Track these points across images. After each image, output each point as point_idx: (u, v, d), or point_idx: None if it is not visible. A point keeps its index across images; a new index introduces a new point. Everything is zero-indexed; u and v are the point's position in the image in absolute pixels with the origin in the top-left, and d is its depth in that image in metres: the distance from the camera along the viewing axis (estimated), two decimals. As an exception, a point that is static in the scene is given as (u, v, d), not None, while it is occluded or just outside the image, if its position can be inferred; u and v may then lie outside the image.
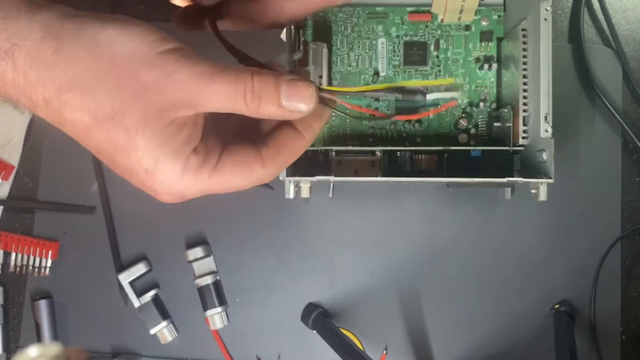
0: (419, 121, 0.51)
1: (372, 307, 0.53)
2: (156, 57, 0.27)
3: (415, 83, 0.40)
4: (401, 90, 0.35)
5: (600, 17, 0.54)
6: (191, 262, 0.52)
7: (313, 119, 0.31)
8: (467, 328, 0.52)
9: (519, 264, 0.53)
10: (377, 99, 0.51)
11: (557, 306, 0.51)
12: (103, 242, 0.53)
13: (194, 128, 0.29)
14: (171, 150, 0.28)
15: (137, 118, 0.27)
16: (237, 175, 0.31)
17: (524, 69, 0.46)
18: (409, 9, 0.51)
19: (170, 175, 0.29)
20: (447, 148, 0.48)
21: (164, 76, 0.27)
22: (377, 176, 0.48)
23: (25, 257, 0.53)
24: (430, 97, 0.36)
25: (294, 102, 0.29)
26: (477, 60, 0.51)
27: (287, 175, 0.44)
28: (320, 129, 0.32)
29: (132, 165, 0.29)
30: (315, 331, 0.51)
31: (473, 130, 0.51)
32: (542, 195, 0.44)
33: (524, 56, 0.46)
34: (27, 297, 0.53)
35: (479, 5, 0.50)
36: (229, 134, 0.32)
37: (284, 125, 0.32)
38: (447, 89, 0.37)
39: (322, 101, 0.31)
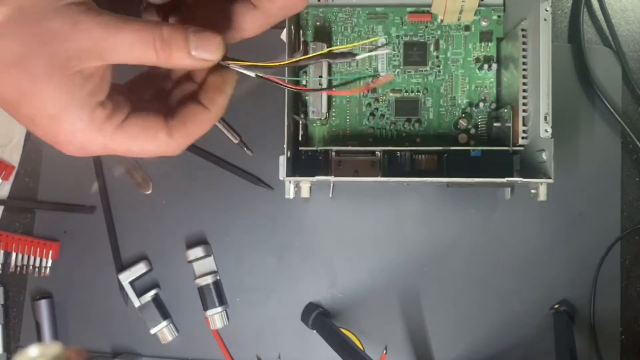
0: (418, 121, 0.51)
1: (372, 307, 0.53)
2: (62, 7, 0.27)
3: (342, 47, 0.40)
4: (330, 55, 0.35)
5: (600, 17, 0.54)
6: (191, 262, 0.52)
7: (217, 92, 0.32)
8: (466, 328, 0.52)
9: (519, 263, 0.53)
10: (377, 99, 0.52)
11: (556, 306, 0.52)
12: (103, 242, 0.53)
13: (101, 81, 0.29)
14: (77, 100, 0.28)
15: (43, 64, 0.27)
16: (141, 138, 0.30)
17: (524, 69, 0.46)
18: (408, 9, 0.51)
19: (74, 124, 0.29)
20: (447, 148, 0.48)
21: (71, 24, 0.27)
22: (377, 176, 0.48)
23: (26, 257, 0.53)
24: (360, 57, 0.36)
25: (201, 50, 0.30)
26: (477, 60, 0.51)
27: (287, 175, 0.45)
28: (225, 102, 0.33)
29: (36, 111, 0.28)
30: (315, 331, 0.51)
31: (473, 131, 0.51)
32: (542, 195, 0.44)
33: (524, 56, 0.46)
34: (27, 297, 0.53)
35: (479, 5, 0.50)
36: (139, 100, 0.32)
37: (191, 99, 0.32)
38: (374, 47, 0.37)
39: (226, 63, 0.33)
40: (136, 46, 0.28)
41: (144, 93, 0.33)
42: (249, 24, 0.35)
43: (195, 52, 0.30)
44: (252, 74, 0.34)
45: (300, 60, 0.35)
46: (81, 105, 0.28)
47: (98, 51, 0.28)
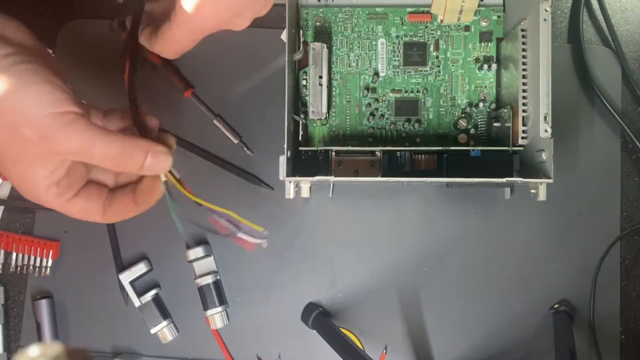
0: (418, 121, 0.51)
1: (372, 307, 0.53)
2: (42, 118, 0.33)
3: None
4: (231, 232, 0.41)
5: (600, 17, 0.54)
6: (191, 261, 0.52)
7: (147, 196, 0.39)
8: (466, 328, 0.52)
9: (519, 263, 0.53)
10: (376, 99, 0.52)
11: (556, 306, 0.52)
12: (104, 241, 0.53)
13: (62, 166, 0.35)
14: (40, 178, 0.35)
15: (10, 156, 0.34)
16: (81, 214, 0.38)
17: (524, 70, 0.46)
18: (408, 9, 0.52)
19: (39, 193, 0.36)
20: (447, 148, 0.48)
21: (39, 137, 0.33)
22: (377, 176, 0.48)
23: (26, 257, 0.53)
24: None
25: (152, 170, 0.37)
26: (477, 60, 0.52)
27: (287, 175, 0.45)
28: (152, 203, 0.39)
29: (15, 176, 0.36)
30: (315, 331, 0.51)
31: (472, 131, 0.51)
32: (542, 195, 0.44)
33: (524, 56, 0.46)
34: (27, 297, 0.53)
35: (479, 5, 0.50)
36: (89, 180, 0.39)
37: (127, 194, 0.39)
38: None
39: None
40: (107, 159, 0.35)
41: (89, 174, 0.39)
42: (169, 37, 0.39)
43: (145, 169, 0.37)
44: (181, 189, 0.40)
45: (214, 208, 0.41)
46: (41, 183, 0.35)
47: (75, 153, 0.34)
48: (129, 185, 0.39)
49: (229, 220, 0.40)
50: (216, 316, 0.52)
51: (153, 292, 0.52)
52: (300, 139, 0.51)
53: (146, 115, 0.40)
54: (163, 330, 0.52)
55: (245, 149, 0.53)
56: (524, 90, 0.46)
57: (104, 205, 0.38)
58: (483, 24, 0.51)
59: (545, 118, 0.44)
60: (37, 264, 0.53)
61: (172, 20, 0.38)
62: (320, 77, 0.48)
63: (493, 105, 0.51)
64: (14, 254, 0.53)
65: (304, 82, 0.50)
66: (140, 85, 0.54)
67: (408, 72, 0.52)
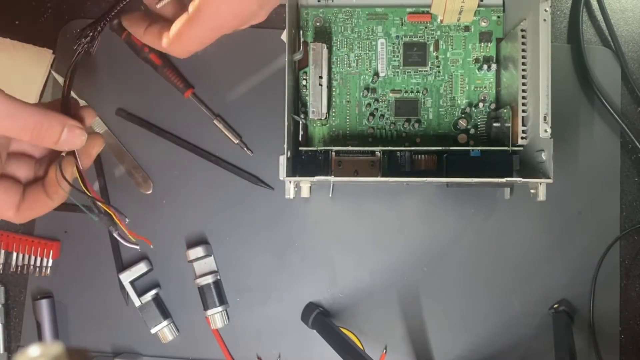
0: (418, 121, 0.51)
1: (372, 307, 0.53)
2: None
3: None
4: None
5: (599, 17, 0.54)
6: (192, 261, 0.52)
7: (57, 188, 0.38)
8: (466, 327, 0.53)
9: (518, 263, 0.53)
10: (376, 99, 0.52)
11: (556, 306, 0.52)
12: (104, 241, 0.53)
13: None
14: None
15: None
16: None
17: (523, 70, 0.46)
18: (408, 9, 0.52)
19: None
20: (447, 148, 0.48)
21: None
22: (376, 176, 0.48)
23: (27, 256, 0.53)
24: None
25: (66, 144, 0.37)
26: (477, 60, 0.52)
27: (287, 175, 0.45)
28: (64, 194, 0.38)
29: None
30: (315, 330, 0.51)
31: (472, 131, 0.52)
32: (541, 195, 0.44)
33: (523, 57, 0.46)
34: (28, 297, 0.53)
35: (478, 6, 0.50)
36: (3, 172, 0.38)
37: (39, 188, 0.38)
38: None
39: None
40: (26, 130, 0.35)
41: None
42: (186, 36, 0.38)
43: (61, 143, 0.36)
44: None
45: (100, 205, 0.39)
46: None
47: None
48: (40, 180, 0.39)
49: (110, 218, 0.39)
50: (216, 316, 0.52)
51: (153, 292, 0.52)
52: (300, 139, 0.51)
53: (83, 106, 0.40)
54: (163, 330, 0.52)
55: (245, 149, 0.53)
56: (523, 91, 0.46)
57: (19, 200, 0.38)
58: (483, 24, 0.52)
59: (544, 118, 0.44)
60: (38, 264, 0.53)
61: (192, 17, 0.36)
62: (320, 77, 0.48)
63: (493, 106, 0.51)
64: (15, 254, 0.53)
65: (304, 82, 0.50)
66: (140, 85, 0.54)
67: (408, 72, 0.52)
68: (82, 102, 0.46)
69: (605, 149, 0.53)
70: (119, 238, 0.39)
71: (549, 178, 0.44)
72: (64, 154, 0.38)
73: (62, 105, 0.38)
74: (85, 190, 0.38)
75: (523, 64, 0.46)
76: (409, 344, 0.52)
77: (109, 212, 0.39)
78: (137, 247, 0.41)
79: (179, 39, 0.38)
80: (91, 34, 0.38)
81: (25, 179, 0.39)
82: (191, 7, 0.36)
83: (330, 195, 0.53)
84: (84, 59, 0.39)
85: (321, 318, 0.51)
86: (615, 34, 0.54)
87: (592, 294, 0.52)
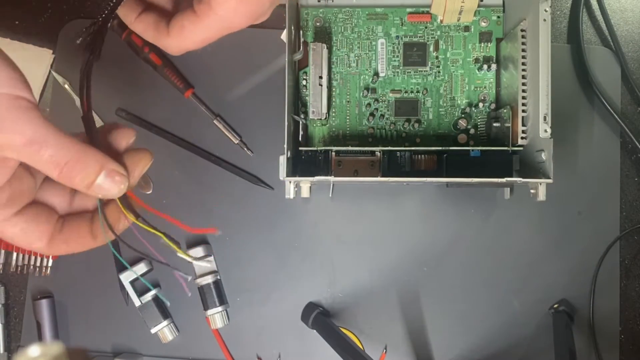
0: (418, 121, 0.51)
1: (372, 307, 0.53)
2: (7, 96, 0.28)
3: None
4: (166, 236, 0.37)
5: (599, 17, 0.54)
6: (192, 261, 0.52)
7: (105, 228, 0.33)
8: (466, 327, 0.53)
9: (518, 263, 0.53)
10: (376, 99, 0.52)
11: (556, 306, 0.52)
12: (104, 241, 0.53)
13: (4, 168, 0.30)
14: None
15: None
16: (21, 237, 0.32)
17: (523, 70, 0.46)
18: (408, 9, 0.52)
19: None
20: (447, 148, 0.48)
21: (10, 118, 0.28)
22: (376, 176, 0.48)
23: (27, 256, 0.53)
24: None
25: (105, 191, 0.31)
26: (477, 60, 0.52)
27: (287, 176, 0.45)
28: (112, 237, 0.34)
29: None
30: (315, 330, 0.51)
31: (472, 131, 0.52)
32: (541, 195, 0.44)
33: (523, 57, 0.46)
34: (28, 297, 0.53)
35: (478, 6, 0.50)
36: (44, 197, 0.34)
37: (83, 222, 0.34)
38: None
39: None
40: (56, 165, 0.29)
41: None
42: (189, 32, 0.35)
43: (94, 188, 0.31)
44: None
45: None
46: None
47: (20, 149, 0.28)
48: (85, 214, 0.34)
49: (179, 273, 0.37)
50: (216, 316, 0.52)
51: (153, 292, 0.52)
52: (300, 139, 0.51)
53: (118, 126, 0.34)
54: (163, 330, 0.52)
55: (245, 149, 0.53)
56: (523, 91, 0.46)
57: (52, 230, 0.33)
58: (483, 24, 0.52)
59: (544, 118, 0.44)
60: (38, 263, 0.53)
61: (202, 14, 0.34)
62: (320, 77, 0.48)
63: (493, 106, 0.51)
64: (15, 254, 0.53)
65: (304, 82, 0.50)
66: (140, 85, 0.54)
67: (408, 72, 0.52)
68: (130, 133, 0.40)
69: (605, 149, 0.53)
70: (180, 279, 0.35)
71: (549, 178, 0.44)
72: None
73: (88, 134, 0.32)
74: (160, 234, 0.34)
75: (523, 64, 0.46)
76: (409, 344, 0.52)
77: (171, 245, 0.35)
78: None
79: (180, 35, 0.35)
80: (91, 29, 0.35)
81: (62, 207, 0.34)
82: (199, 3, 0.34)
83: (330, 195, 0.53)
84: (81, 59, 0.38)
85: (321, 318, 0.51)
86: (615, 34, 0.54)
87: (592, 294, 0.52)
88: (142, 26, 0.37)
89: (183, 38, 0.35)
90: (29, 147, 0.28)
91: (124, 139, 0.34)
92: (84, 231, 0.33)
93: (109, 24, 0.36)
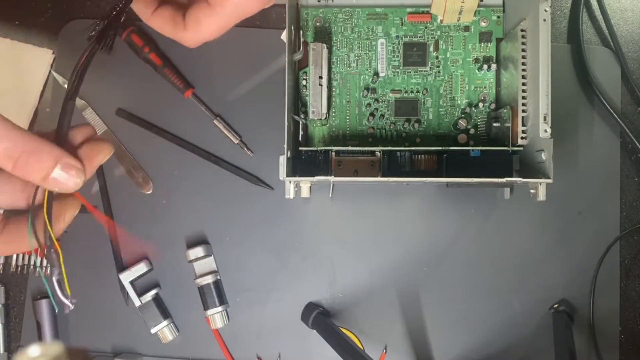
0: (418, 121, 0.51)
1: (372, 307, 0.53)
2: None
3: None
4: None
5: (599, 17, 0.54)
6: (192, 261, 0.52)
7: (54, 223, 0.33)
8: (466, 327, 0.53)
9: (518, 263, 0.53)
10: (376, 99, 0.52)
11: (556, 306, 0.52)
12: (104, 241, 0.53)
13: None
14: None
15: None
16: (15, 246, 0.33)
17: (523, 70, 0.46)
18: (408, 9, 0.52)
19: None
20: (447, 148, 0.48)
21: None
22: (376, 176, 0.48)
23: (27, 256, 0.53)
24: None
25: (58, 184, 0.31)
26: (477, 60, 0.52)
27: (287, 175, 0.45)
28: (56, 234, 0.33)
29: None
30: (315, 330, 0.51)
31: (472, 131, 0.52)
32: (541, 195, 0.44)
33: (523, 57, 0.46)
34: (28, 297, 0.53)
35: (478, 6, 0.50)
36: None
37: (24, 222, 0.33)
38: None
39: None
40: (10, 157, 0.29)
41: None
42: (206, 24, 0.35)
43: (50, 182, 0.31)
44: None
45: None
46: None
47: None
48: (25, 215, 0.33)
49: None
50: (216, 316, 0.52)
51: (153, 291, 0.52)
52: (300, 139, 0.51)
53: (81, 125, 0.34)
54: (163, 330, 0.52)
55: (245, 149, 0.53)
56: (523, 91, 0.46)
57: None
58: (483, 24, 0.52)
59: (544, 118, 0.44)
60: (38, 263, 0.53)
61: (214, 5, 0.34)
62: (320, 77, 0.48)
63: (493, 106, 0.51)
64: (15, 254, 0.53)
65: (304, 82, 0.50)
66: (140, 85, 0.54)
67: (408, 72, 0.52)
68: (101, 128, 0.39)
69: (605, 149, 0.53)
70: (56, 286, 0.34)
71: (549, 178, 0.44)
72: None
73: (57, 132, 0.32)
74: (54, 239, 0.32)
75: (523, 64, 0.46)
76: (409, 344, 0.52)
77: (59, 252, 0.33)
78: (70, 305, 0.36)
79: (197, 28, 0.35)
80: (103, 22, 0.35)
81: (7, 204, 0.34)
82: None
83: (330, 195, 0.53)
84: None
85: (321, 318, 0.51)
86: (615, 34, 0.54)
87: (592, 294, 0.52)
88: (159, 21, 0.37)
89: (200, 30, 0.35)
90: None
91: (82, 134, 0.34)
92: (25, 233, 0.33)
93: (122, 18, 0.35)
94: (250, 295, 0.53)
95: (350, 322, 0.53)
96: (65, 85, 0.53)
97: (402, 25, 0.52)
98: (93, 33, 0.35)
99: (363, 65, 0.52)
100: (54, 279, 0.34)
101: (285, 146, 0.45)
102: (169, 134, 0.53)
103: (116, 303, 0.53)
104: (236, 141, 0.53)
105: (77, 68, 0.33)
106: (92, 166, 0.33)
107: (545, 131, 0.44)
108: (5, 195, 0.33)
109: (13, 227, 0.33)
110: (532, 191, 0.45)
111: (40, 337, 0.52)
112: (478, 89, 0.52)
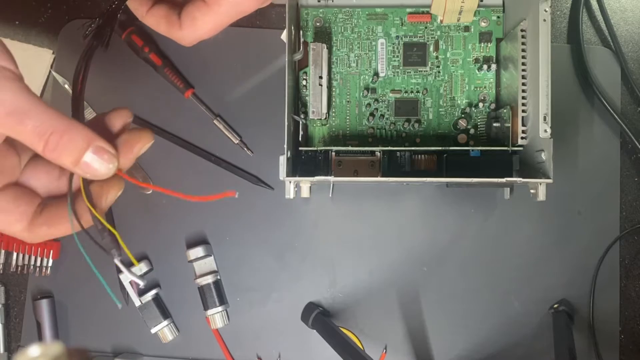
0: (418, 121, 0.51)
1: (372, 307, 0.53)
2: None
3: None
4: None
5: (599, 17, 0.54)
6: (192, 261, 0.52)
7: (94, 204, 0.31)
8: (466, 327, 0.53)
9: (518, 263, 0.53)
10: (376, 99, 0.52)
11: (556, 305, 0.52)
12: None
13: None
14: None
15: None
16: (4, 219, 0.31)
17: (523, 70, 0.46)
18: (408, 10, 0.52)
19: None
20: (447, 148, 0.48)
21: None
22: (376, 176, 0.48)
23: (27, 256, 0.53)
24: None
25: (91, 169, 0.30)
26: (477, 60, 0.52)
27: (287, 176, 0.45)
28: (89, 221, 0.32)
29: None
30: (315, 330, 0.51)
31: (472, 131, 0.52)
32: (541, 195, 0.44)
33: (523, 57, 0.46)
34: (28, 297, 0.53)
35: (478, 6, 0.50)
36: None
37: (63, 204, 0.32)
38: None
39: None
40: (40, 137, 0.28)
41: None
42: (202, 22, 0.35)
43: (82, 166, 0.29)
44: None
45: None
46: None
47: (2, 120, 0.27)
48: (65, 197, 0.32)
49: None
50: (216, 316, 0.52)
51: (153, 291, 0.52)
52: (300, 139, 0.51)
53: (114, 109, 0.33)
54: (163, 330, 0.52)
55: (245, 149, 0.53)
56: (523, 91, 0.46)
57: (33, 213, 0.31)
58: (483, 24, 0.52)
59: (544, 118, 0.44)
60: (38, 263, 0.53)
61: (210, 3, 0.34)
62: (320, 77, 0.48)
63: (493, 106, 0.51)
64: (15, 254, 0.53)
65: (304, 82, 0.50)
66: (140, 85, 0.54)
67: (408, 72, 0.52)
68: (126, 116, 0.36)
69: (605, 149, 0.53)
70: (121, 266, 0.33)
71: (549, 178, 0.44)
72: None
73: (73, 107, 0.31)
74: (104, 222, 0.31)
75: (523, 64, 0.46)
76: (409, 344, 0.52)
77: (115, 234, 0.32)
78: (140, 283, 0.35)
79: (192, 26, 0.35)
80: (99, 20, 0.34)
81: (45, 191, 0.33)
82: None
83: (330, 195, 0.53)
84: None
85: (321, 318, 0.51)
86: (615, 34, 0.54)
87: (592, 294, 0.52)
88: (154, 20, 0.36)
89: (195, 29, 0.35)
90: (12, 117, 0.27)
91: (120, 118, 0.32)
92: (64, 212, 0.32)
93: (118, 15, 0.35)
94: (250, 295, 0.53)
95: (350, 322, 0.53)
96: (66, 86, 0.53)
97: (402, 25, 0.52)
98: (87, 32, 0.34)
99: (363, 65, 0.52)
100: (117, 261, 0.33)
101: (285, 146, 0.45)
102: (169, 134, 0.53)
103: (116, 303, 0.53)
104: (236, 141, 0.53)
105: (80, 64, 0.33)
106: (132, 154, 0.32)
107: (545, 131, 0.44)
108: (41, 182, 0.32)
109: (53, 208, 0.32)
110: (532, 191, 0.45)
111: (40, 337, 0.52)
112: (478, 89, 0.52)
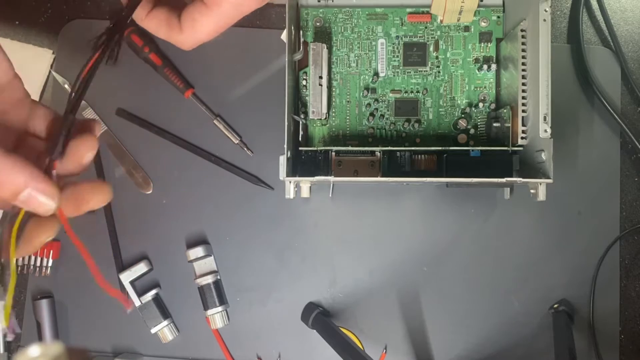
0: (418, 121, 0.51)
1: (372, 307, 0.53)
2: None
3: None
4: None
5: (599, 17, 0.54)
6: (192, 261, 0.52)
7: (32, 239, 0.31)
8: (466, 327, 0.53)
9: (518, 263, 0.53)
10: (376, 99, 0.52)
11: (556, 305, 0.52)
12: (104, 241, 0.53)
13: None
14: None
15: None
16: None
17: (523, 70, 0.46)
18: (408, 10, 0.52)
19: None
20: (447, 148, 0.48)
21: None
22: (376, 176, 0.48)
23: (27, 256, 0.53)
24: None
25: (32, 204, 0.29)
26: (477, 60, 0.52)
27: (287, 176, 0.45)
28: (32, 250, 0.31)
29: None
30: (315, 330, 0.51)
31: (472, 131, 0.52)
32: (541, 195, 0.44)
33: (523, 57, 0.46)
34: (28, 297, 0.53)
35: (478, 6, 0.50)
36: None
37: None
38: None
39: None
40: None
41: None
42: (202, 24, 0.35)
43: (20, 203, 0.29)
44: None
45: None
46: None
47: None
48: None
49: None
50: (216, 316, 0.52)
51: (153, 291, 0.52)
52: (300, 139, 0.51)
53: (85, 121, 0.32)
54: (163, 330, 0.52)
55: (245, 149, 0.53)
56: (523, 91, 0.46)
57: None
58: (483, 24, 0.52)
59: (544, 118, 0.44)
60: (38, 264, 0.53)
61: (210, 5, 0.33)
62: (320, 77, 0.48)
63: (493, 106, 0.51)
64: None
65: (304, 82, 0.50)
66: (140, 85, 0.54)
67: (408, 72, 0.52)
68: (91, 114, 0.35)
69: (605, 149, 0.53)
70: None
71: (549, 178, 0.44)
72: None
73: (51, 144, 0.30)
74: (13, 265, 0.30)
75: (523, 64, 0.46)
76: (409, 344, 0.52)
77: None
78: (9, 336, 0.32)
79: (193, 29, 0.34)
80: (108, 37, 0.33)
81: None
82: None
83: (330, 195, 0.53)
84: (81, 59, 0.36)
85: (321, 318, 0.51)
86: (615, 34, 0.54)
87: (592, 294, 0.52)
88: (154, 23, 0.36)
89: (196, 32, 0.35)
90: None
91: (85, 147, 0.32)
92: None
93: (124, 30, 0.34)
94: (250, 295, 0.53)
95: (350, 322, 0.52)
96: (66, 86, 0.53)
97: (402, 25, 0.52)
98: (95, 44, 0.33)
99: (363, 65, 0.52)
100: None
101: (285, 146, 0.45)
102: (169, 134, 0.53)
103: (116, 303, 0.53)
104: (236, 141, 0.53)
105: (80, 79, 0.32)
106: (78, 211, 0.32)
107: (545, 131, 0.44)
108: None
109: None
110: (532, 191, 0.45)
111: (40, 337, 0.52)
112: (478, 89, 0.52)
